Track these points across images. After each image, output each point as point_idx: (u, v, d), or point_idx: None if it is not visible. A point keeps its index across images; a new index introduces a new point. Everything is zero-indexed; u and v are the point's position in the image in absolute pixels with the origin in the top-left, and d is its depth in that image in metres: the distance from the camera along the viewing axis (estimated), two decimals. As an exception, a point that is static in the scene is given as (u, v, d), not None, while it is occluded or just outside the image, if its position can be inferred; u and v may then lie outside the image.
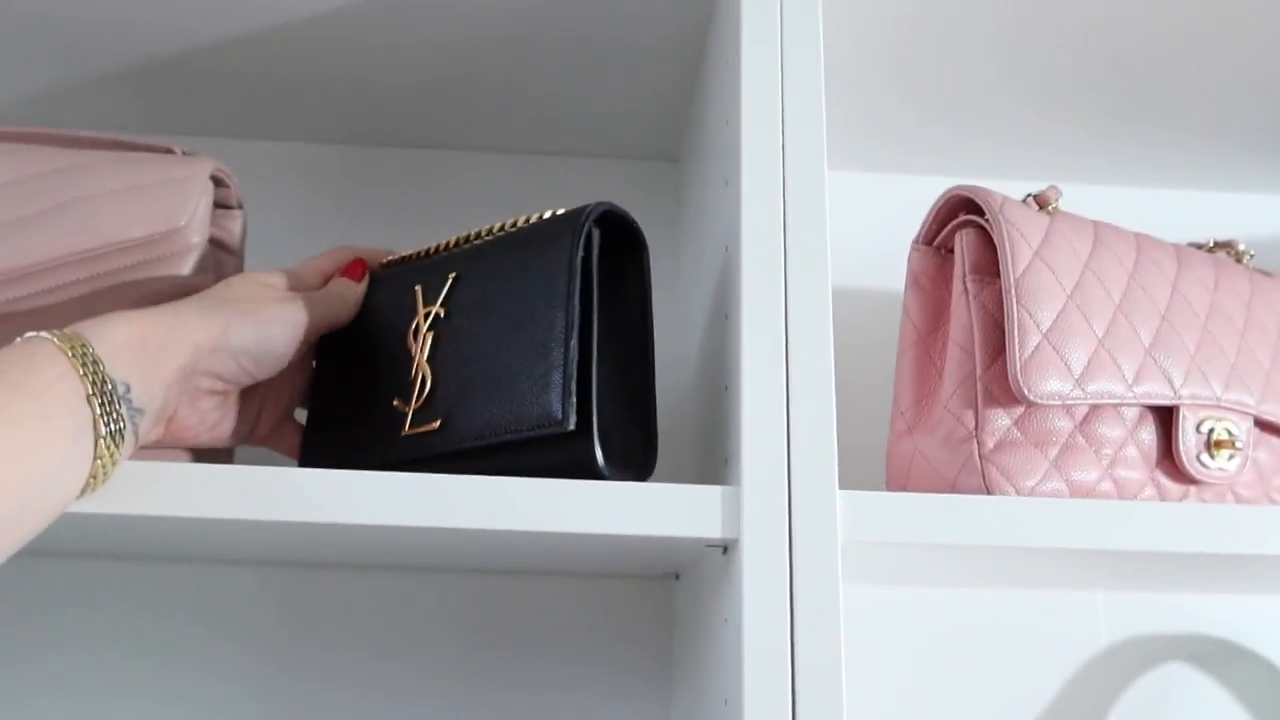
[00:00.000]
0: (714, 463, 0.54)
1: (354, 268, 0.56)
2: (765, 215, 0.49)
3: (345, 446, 0.52)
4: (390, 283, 0.56)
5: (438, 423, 0.48)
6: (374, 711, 0.68)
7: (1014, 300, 0.50)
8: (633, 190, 0.80)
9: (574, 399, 0.45)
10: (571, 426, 0.45)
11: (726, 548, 0.49)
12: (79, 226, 0.52)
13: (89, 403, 0.40)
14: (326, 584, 0.70)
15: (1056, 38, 0.65)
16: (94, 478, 0.41)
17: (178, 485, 0.45)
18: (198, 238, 0.55)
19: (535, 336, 0.46)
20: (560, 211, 0.50)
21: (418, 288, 0.52)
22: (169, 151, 0.59)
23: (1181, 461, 0.53)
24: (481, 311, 0.49)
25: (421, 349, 0.50)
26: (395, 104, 0.75)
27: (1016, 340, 0.50)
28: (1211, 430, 0.53)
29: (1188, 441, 0.53)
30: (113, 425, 0.41)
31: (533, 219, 0.51)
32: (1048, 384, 0.50)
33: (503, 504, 0.45)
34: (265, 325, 0.49)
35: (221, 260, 0.58)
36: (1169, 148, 0.78)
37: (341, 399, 0.55)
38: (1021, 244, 0.51)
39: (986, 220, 0.54)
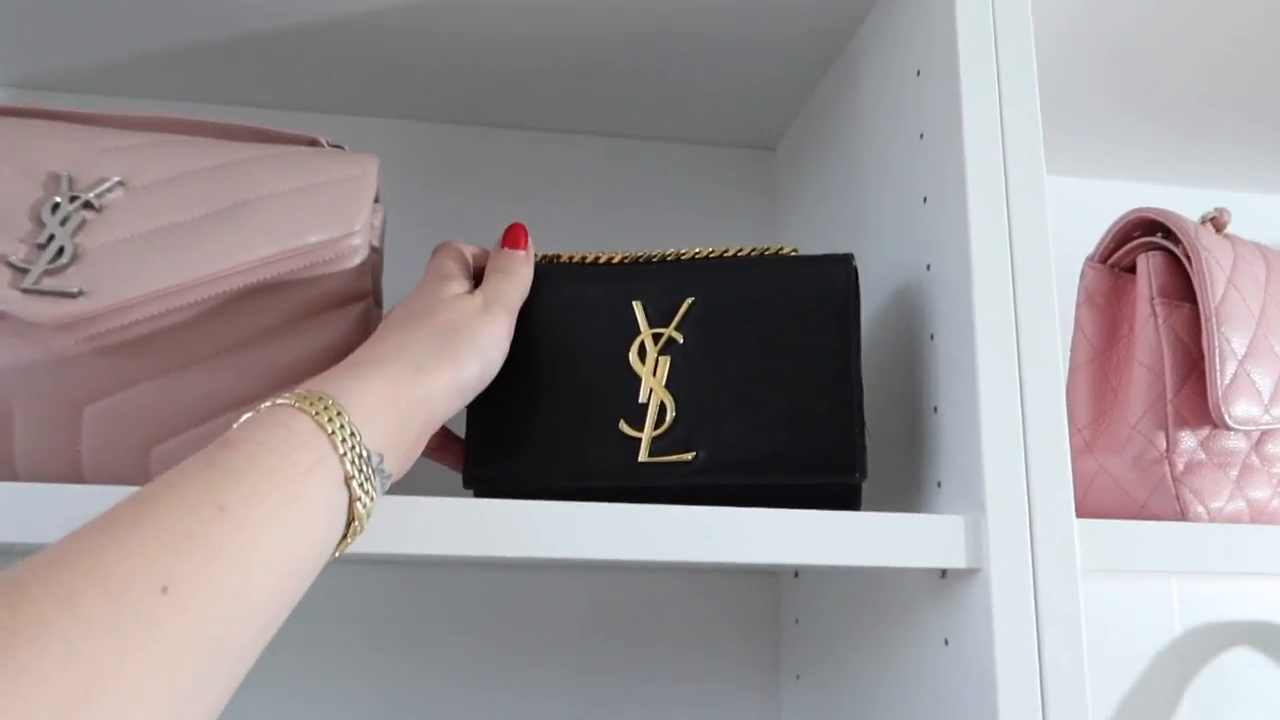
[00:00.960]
0: (904, 485, 0.54)
1: (517, 235, 0.52)
2: (991, 233, 0.49)
3: (541, 464, 0.49)
4: (572, 286, 0.52)
5: (691, 455, 0.46)
6: (492, 702, 0.68)
7: (1214, 328, 0.51)
8: (728, 178, 0.78)
9: (863, 448, 0.45)
10: (863, 477, 0.45)
11: (945, 571, 0.49)
12: (254, 232, 0.47)
13: (346, 485, 0.37)
14: (444, 580, 0.69)
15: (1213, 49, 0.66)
16: (340, 547, 0.39)
17: (428, 522, 0.42)
18: (362, 239, 0.51)
19: (814, 378, 0.46)
20: (791, 249, 0.51)
21: (636, 304, 0.49)
22: (315, 143, 0.54)
23: (1335, 476, 0.56)
24: (727, 341, 0.48)
25: (654, 373, 0.48)
26: (492, 87, 0.70)
27: (1218, 368, 0.51)
28: (1361, 446, 0.56)
29: (1343, 458, 0.56)
30: (367, 500, 0.38)
31: (761, 251, 0.51)
32: (1243, 409, 0.51)
33: (758, 538, 0.44)
34: (485, 351, 0.45)
35: (373, 259, 0.54)
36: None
37: (526, 409, 0.50)
38: (1218, 271, 0.52)
39: (1170, 242, 0.54)
